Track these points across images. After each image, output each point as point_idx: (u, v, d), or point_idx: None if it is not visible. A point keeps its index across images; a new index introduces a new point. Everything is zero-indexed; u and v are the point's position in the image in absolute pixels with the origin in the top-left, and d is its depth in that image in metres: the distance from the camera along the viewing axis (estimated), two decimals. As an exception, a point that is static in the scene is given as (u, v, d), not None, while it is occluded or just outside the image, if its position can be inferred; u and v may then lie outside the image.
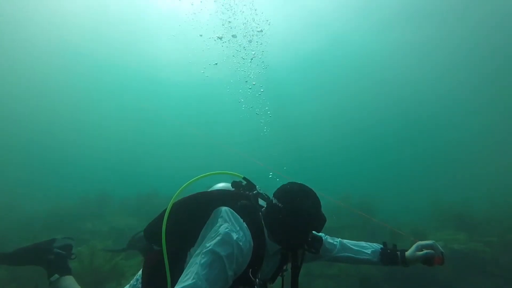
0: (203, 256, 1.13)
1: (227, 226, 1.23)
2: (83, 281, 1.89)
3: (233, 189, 1.59)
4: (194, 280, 1.05)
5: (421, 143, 32.77)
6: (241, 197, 1.47)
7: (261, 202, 1.53)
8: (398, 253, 1.61)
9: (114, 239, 7.68)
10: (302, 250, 1.40)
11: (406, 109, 29.28)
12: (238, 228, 1.25)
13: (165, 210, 1.37)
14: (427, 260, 1.51)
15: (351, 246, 1.69)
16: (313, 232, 1.39)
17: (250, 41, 11.32)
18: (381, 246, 1.68)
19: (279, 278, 1.51)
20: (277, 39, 19.88)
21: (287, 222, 1.30)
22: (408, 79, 25.70)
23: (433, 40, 20.78)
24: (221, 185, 1.65)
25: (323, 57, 24.16)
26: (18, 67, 24.42)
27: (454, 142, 30.97)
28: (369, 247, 1.68)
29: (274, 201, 1.35)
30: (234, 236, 1.19)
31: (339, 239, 1.73)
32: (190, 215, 1.38)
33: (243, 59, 11.41)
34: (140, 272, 1.57)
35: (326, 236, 1.72)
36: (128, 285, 1.62)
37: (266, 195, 1.56)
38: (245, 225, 1.29)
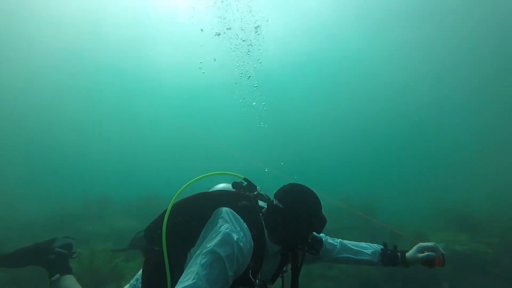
0: (203, 256, 1.13)
1: (228, 227, 1.23)
2: (83, 282, 1.89)
3: (234, 189, 1.60)
4: (194, 281, 1.05)
5: (422, 144, 32.73)
6: (242, 197, 1.47)
7: (262, 203, 1.53)
8: (399, 254, 1.61)
9: (114, 241, 7.68)
10: (302, 251, 1.41)
11: (407, 110, 29.27)
12: (238, 229, 1.25)
13: (165, 211, 1.37)
14: (428, 262, 1.51)
15: (351, 246, 1.69)
16: (314, 233, 1.39)
17: (244, 40, 11.39)
18: (382, 247, 1.68)
19: (279, 279, 1.51)
20: (276, 38, 19.94)
21: (287, 223, 1.31)
22: (409, 79, 25.70)
23: (433, 40, 20.80)
24: (221, 186, 1.65)
25: (324, 58, 24.18)
26: (28, 70, 24.54)
27: (455, 142, 30.93)
28: (369, 248, 1.68)
29: (275, 202, 1.36)
30: (235, 236, 1.19)
31: (339, 239, 1.73)
32: (191, 216, 1.38)
33: (241, 53, 11.47)
34: (140, 272, 1.57)
35: (327, 236, 1.72)
36: (128, 285, 1.62)
37: (266, 196, 1.57)
38: (246, 225, 1.29)
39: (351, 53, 23.41)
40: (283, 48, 22.57)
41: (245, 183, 1.61)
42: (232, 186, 1.61)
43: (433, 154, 32.01)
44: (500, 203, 9.99)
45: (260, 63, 12.06)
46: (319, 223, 1.34)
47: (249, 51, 11.47)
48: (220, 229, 1.22)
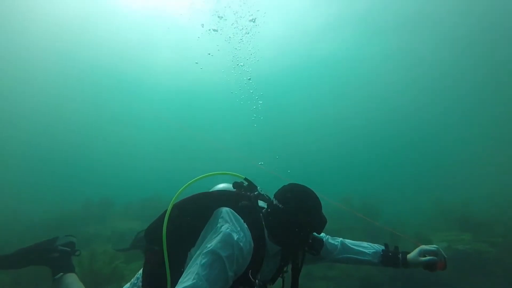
0: (203, 256, 1.13)
1: (228, 227, 1.23)
2: (83, 283, 1.89)
3: (234, 189, 1.59)
4: (194, 281, 1.05)
5: (422, 144, 32.70)
6: (242, 198, 1.47)
7: (262, 203, 1.53)
8: (400, 256, 1.60)
9: (115, 242, 7.68)
10: (302, 251, 1.40)
11: (407, 110, 29.25)
12: (238, 229, 1.25)
13: (165, 211, 1.37)
14: (430, 266, 1.50)
15: (352, 246, 1.68)
16: (314, 233, 1.39)
17: (243, 36, 11.41)
18: (383, 247, 1.67)
19: (279, 279, 1.51)
20: (275, 39, 19.95)
21: (287, 223, 1.30)
22: (409, 80, 25.70)
23: (433, 41, 20.82)
24: (222, 186, 1.65)
25: (324, 58, 24.18)
26: (29, 73, 24.63)
27: (455, 142, 30.90)
28: (370, 248, 1.67)
29: (275, 202, 1.35)
30: (235, 236, 1.19)
31: (340, 239, 1.72)
32: (191, 216, 1.38)
33: (237, 47, 11.49)
34: (140, 271, 1.56)
35: (327, 236, 1.71)
36: (129, 283, 1.61)
37: (267, 196, 1.56)
38: (246, 225, 1.29)
39: (351, 53, 23.42)
40: (282, 50, 22.60)
41: (245, 183, 1.61)
42: (232, 186, 1.61)
43: (434, 154, 31.97)
44: (501, 203, 9.98)
45: (257, 60, 12.08)
46: (319, 223, 1.33)
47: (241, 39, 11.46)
48: (221, 229, 1.22)
